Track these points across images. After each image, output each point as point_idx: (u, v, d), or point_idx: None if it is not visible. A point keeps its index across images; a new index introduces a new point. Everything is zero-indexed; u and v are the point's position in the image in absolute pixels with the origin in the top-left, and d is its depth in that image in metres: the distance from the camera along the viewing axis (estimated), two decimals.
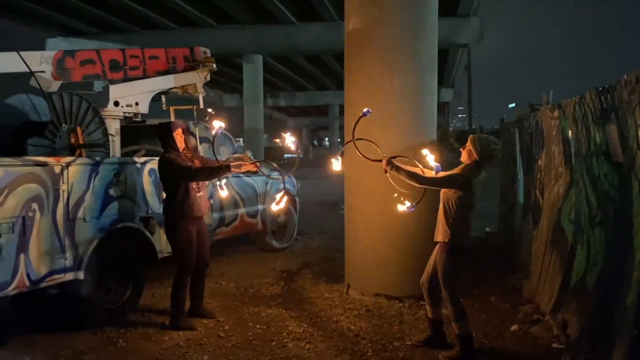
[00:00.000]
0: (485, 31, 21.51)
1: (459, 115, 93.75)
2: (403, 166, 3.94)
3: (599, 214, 3.88)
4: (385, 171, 3.96)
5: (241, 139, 22.41)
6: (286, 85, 36.03)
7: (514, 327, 4.61)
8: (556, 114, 4.82)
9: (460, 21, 19.85)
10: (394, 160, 3.95)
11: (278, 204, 4.38)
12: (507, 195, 8.11)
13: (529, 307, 4.96)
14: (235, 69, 26.22)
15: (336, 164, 4.15)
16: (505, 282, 5.92)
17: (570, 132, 4.47)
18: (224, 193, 5.22)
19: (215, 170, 4.58)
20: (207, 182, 5.11)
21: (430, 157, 3.97)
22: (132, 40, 20.16)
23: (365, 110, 4.00)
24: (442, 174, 3.93)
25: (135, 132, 6.14)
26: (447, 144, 28.91)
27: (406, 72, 5.28)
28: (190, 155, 4.83)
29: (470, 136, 4.04)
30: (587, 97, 3.85)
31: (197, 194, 4.66)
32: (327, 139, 63.31)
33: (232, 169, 4.42)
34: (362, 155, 4.19)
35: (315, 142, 73.09)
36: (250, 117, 22.93)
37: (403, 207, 4.04)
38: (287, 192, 4.82)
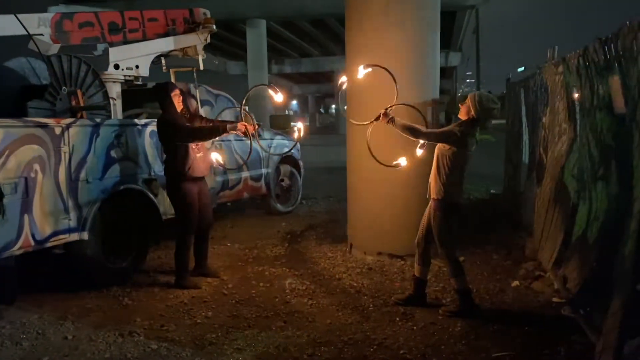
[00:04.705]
0: None
1: (467, 80, 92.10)
2: (399, 119, 3.91)
3: (602, 168, 3.84)
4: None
5: (247, 107, 22.22)
6: (291, 51, 35.54)
7: (515, 283, 4.64)
8: (560, 69, 4.72)
9: None
10: (390, 112, 3.92)
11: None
12: (513, 157, 8.05)
13: (530, 264, 4.98)
14: (239, 35, 25.87)
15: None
16: (509, 242, 5.93)
17: (574, 86, 4.40)
18: (215, 155, 4.91)
19: (213, 131, 4.57)
20: (206, 143, 5.09)
21: None
22: (135, 7, 19.84)
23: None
24: (438, 129, 3.91)
25: (137, 95, 6.11)
26: (455, 109, 28.61)
27: (406, 27, 5.17)
28: (188, 116, 4.82)
29: (471, 93, 4.02)
30: (591, 48, 3.75)
31: (197, 155, 4.66)
32: (333, 106, 62.55)
33: (228, 130, 4.41)
34: (356, 123, 4.39)
35: (322, 110, 72.47)
36: (255, 84, 22.72)
37: (420, 150, 4.11)
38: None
